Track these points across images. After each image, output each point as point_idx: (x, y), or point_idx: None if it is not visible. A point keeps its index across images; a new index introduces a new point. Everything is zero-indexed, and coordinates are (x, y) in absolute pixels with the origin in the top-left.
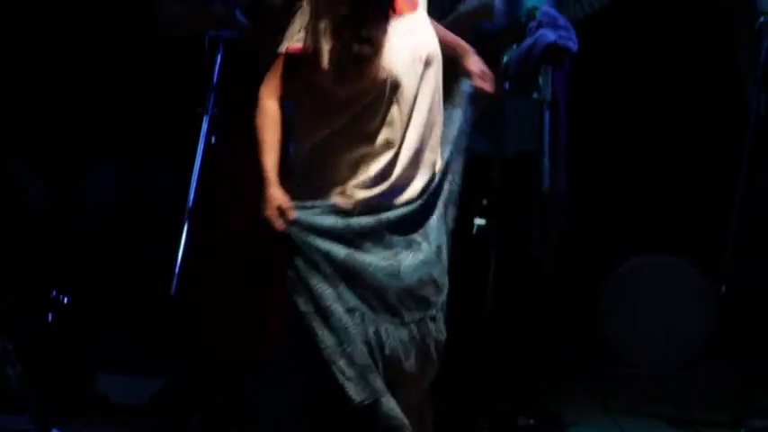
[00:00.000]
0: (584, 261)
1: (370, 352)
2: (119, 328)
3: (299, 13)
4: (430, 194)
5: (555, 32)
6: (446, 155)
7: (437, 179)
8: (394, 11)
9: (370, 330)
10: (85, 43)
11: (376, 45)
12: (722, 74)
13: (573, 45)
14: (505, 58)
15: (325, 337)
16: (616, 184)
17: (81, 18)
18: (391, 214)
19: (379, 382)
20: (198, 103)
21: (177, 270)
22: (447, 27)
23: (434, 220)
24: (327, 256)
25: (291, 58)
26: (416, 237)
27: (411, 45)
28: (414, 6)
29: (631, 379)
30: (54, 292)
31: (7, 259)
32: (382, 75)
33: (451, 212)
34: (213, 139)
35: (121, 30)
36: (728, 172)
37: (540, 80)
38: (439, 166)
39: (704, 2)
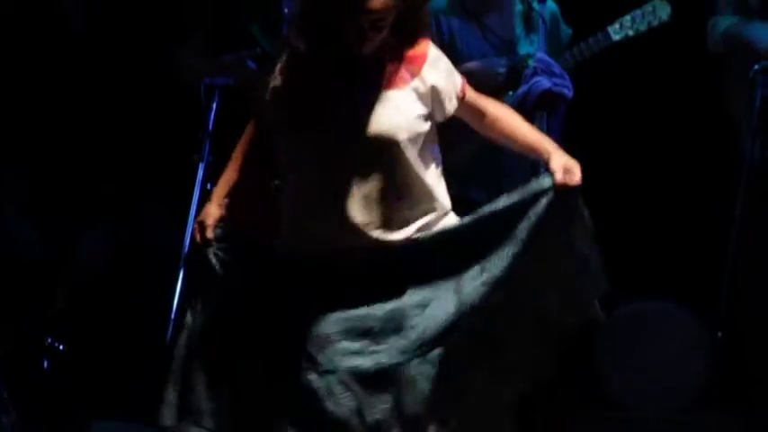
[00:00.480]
0: None
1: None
2: (114, 375)
3: (279, 60)
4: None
5: (550, 79)
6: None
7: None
8: (368, 83)
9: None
10: (80, 91)
11: (309, 110)
12: (715, 119)
13: (568, 92)
14: None
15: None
16: (612, 229)
17: (76, 67)
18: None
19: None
20: (194, 150)
21: (173, 317)
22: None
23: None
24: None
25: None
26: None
27: (364, 119)
28: (394, 85)
29: (628, 423)
30: (49, 340)
31: (3, 307)
32: (316, 141)
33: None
34: (209, 186)
35: (117, 78)
36: (724, 217)
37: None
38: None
39: (695, 49)
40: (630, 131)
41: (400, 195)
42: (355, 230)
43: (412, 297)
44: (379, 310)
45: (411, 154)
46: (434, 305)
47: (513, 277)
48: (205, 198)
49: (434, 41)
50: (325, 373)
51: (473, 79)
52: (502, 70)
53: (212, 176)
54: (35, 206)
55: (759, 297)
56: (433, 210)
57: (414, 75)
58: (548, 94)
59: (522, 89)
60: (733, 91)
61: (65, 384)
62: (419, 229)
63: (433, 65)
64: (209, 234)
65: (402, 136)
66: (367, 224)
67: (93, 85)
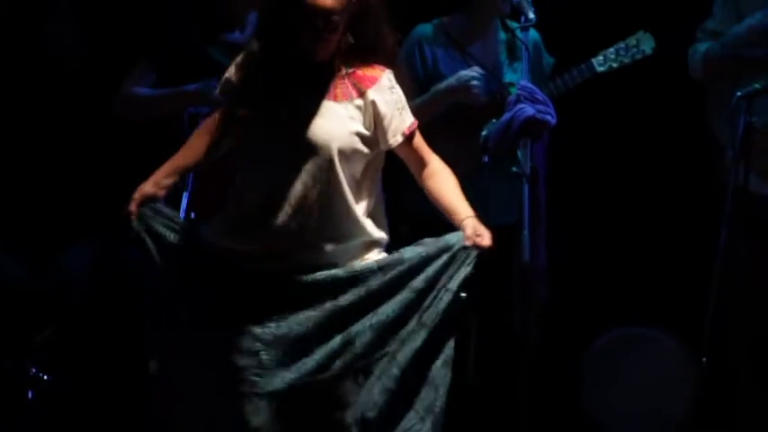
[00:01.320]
0: (564, 333)
1: None
2: (100, 405)
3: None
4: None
5: (533, 106)
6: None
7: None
8: (316, 92)
9: None
10: (62, 121)
11: (256, 112)
12: (700, 145)
13: (551, 119)
14: (484, 132)
15: None
16: (597, 256)
17: (58, 99)
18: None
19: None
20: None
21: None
22: (423, 104)
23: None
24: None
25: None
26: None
27: (303, 127)
28: (336, 97)
29: None
30: (34, 370)
31: None
32: (256, 144)
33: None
34: (192, 215)
35: (97, 107)
36: (709, 243)
37: (519, 154)
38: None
39: (679, 75)
40: (614, 158)
41: (323, 210)
42: (288, 235)
43: (308, 324)
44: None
45: (343, 170)
46: (323, 336)
47: (399, 323)
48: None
49: (417, 68)
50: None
51: (454, 95)
52: (476, 82)
53: (196, 205)
54: (21, 240)
55: (743, 323)
56: (352, 236)
57: (360, 93)
58: (532, 121)
59: (506, 116)
60: (716, 117)
61: (49, 415)
62: (336, 250)
63: (380, 90)
64: (133, 207)
65: (334, 145)
66: (298, 232)
67: (81, 113)
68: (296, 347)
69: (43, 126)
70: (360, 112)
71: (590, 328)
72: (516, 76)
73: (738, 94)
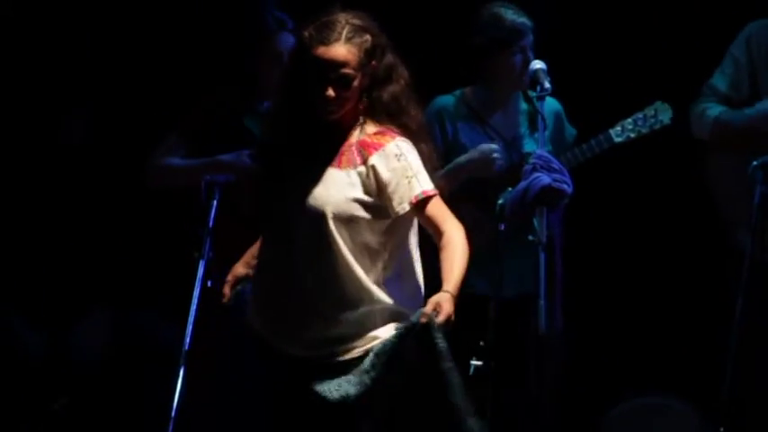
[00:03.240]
0: (583, 401)
1: None
2: None
3: None
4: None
5: (549, 175)
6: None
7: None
8: (333, 158)
9: None
10: (76, 189)
11: (272, 175)
12: (711, 212)
13: (567, 188)
14: (501, 200)
15: None
16: (613, 324)
17: (72, 163)
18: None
19: None
20: (194, 248)
21: (173, 414)
22: (442, 176)
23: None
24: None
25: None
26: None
27: (313, 194)
28: (341, 164)
29: None
30: None
31: (7, 409)
32: (268, 208)
33: None
34: (209, 284)
35: (119, 177)
36: (725, 312)
37: (535, 222)
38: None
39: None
40: (630, 227)
41: (327, 276)
42: (299, 305)
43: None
44: None
45: (342, 236)
46: None
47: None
48: (205, 295)
49: (437, 140)
50: None
51: (474, 167)
52: (497, 155)
53: (212, 274)
54: (38, 312)
55: (760, 392)
56: (362, 303)
57: (363, 160)
58: (548, 190)
59: (522, 185)
60: (719, 183)
61: None
62: (349, 319)
63: (384, 157)
64: (226, 290)
65: (328, 210)
66: (307, 300)
67: (96, 186)
68: None
69: (59, 195)
70: (360, 179)
71: (607, 397)
72: (533, 145)
73: (755, 163)
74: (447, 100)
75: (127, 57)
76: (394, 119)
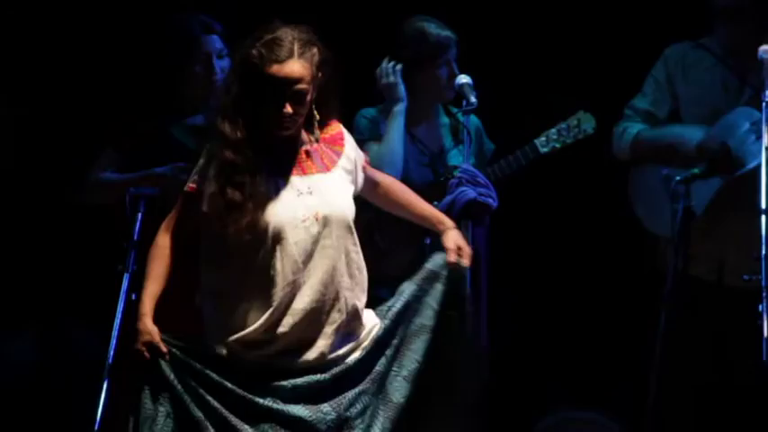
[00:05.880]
0: (509, 416)
1: None
2: None
3: (204, 152)
4: (351, 365)
5: (475, 189)
6: (378, 330)
7: (364, 351)
8: (300, 168)
9: None
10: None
11: (250, 194)
12: (635, 226)
13: (493, 202)
14: None
15: None
16: (539, 337)
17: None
18: (288, 384)
19: None
20: (118, 261)
21: (96, 428)
22: None
23: (355, 393)
24: (202, 399)
25: (187, 196)
26: (325, 407)
27: (306, 203)
28: (327, 167)
29: None
30: None
31: None
32: (260, 225)
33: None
34: (133, 296)
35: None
36: (650, 328)
37: None
38: (366, 336)
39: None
40: (555, 241)
41: (352, 276)
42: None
43: (349, 406)
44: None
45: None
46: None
47: (427, 367)
48: (130, 309)
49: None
50: None
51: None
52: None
53: (137, 287)
54: None
55: (685, 409)
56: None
57: (338, 154)
58: (473, 204)
59: (447, 198)
60: (639, 200)
61: None
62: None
63: (349, 140)
64: (164, 348)
65: (348, 215)
66: (315, 308)
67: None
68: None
69: None
70: (346, 172)
71: (533, 411)
72: (458, 159)
73: (677, 178)
74: (371, 112)
75: (51, 69)
76: (331, 114)
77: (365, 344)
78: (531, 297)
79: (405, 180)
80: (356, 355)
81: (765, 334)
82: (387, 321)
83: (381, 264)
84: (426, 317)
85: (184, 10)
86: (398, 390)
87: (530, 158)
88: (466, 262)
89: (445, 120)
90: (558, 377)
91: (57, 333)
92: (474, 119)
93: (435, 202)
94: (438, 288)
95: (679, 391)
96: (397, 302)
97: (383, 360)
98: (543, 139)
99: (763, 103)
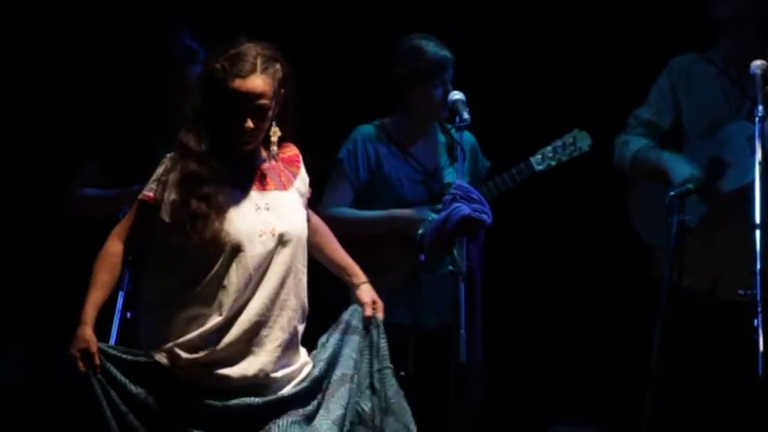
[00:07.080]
0: (504, 430)
1: None
2: None
3: (163, 161)
4: (286, 396)
5: (469, 205)
6: (317, 370)
7: (299, 387)
8: (258, 183)
9: None
10: None
11: (214, 205)
12: (630, 239)
13: (487, 218)
14: (421, 230)
15: None
16: (534, 352)
17: None
18: (219, 405)
19: None
20: None
21: None
22: (376, 220)
23: (286, 422)
24: (124, 418)
25: (144, 204)
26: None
27: (264, 219)
28: (284, 186)
29: None
30: None
31: None
32: (221, 237)
33: None
34: (129, 315)
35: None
36: (646, 341)
37: (455, 252)
38: (300, 369)
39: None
40: (550, 257)
41: (297, 297)
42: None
43: None
44: None
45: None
46: None
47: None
48: (124, 326)
49: (360, 165)
50: None
51: (407, 224)
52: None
53: (133, 306)
54: None
55: (680, 422)
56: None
57: (294, 175)
58: (467, 220)
59: (442, 215)
60: (638, 214)
61: None
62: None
63: (303, 164)
64: (97, 360)
65: (303, 234)
66: (298, 323)
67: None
68: None
69: None
70: (299, 193)
71: (528, 426)
72: (452, 176)
73: (672, 193)
74: (368, 129)
75: (34, 80)
76: (290, 133)
77: (299, 378)
78: (525, 312)
79: (398, 198)
80: (290, 388)
81: (761, 348)
82: (321, 364)
83: (381, 277)
84: (347, 366)
85: (170, 33)
86: (329, 431)
87: (525, 176)
88: (380, 315)
89: (442, 138)
90: (553, 390)
91: (47, 351)
92: (470, 137)
93: (430, 219)
94: (355, 339)
95: (673, 403)
96: (324, 351)
97: (314, 401)
98: (539, 156)
99: (756, 118)
